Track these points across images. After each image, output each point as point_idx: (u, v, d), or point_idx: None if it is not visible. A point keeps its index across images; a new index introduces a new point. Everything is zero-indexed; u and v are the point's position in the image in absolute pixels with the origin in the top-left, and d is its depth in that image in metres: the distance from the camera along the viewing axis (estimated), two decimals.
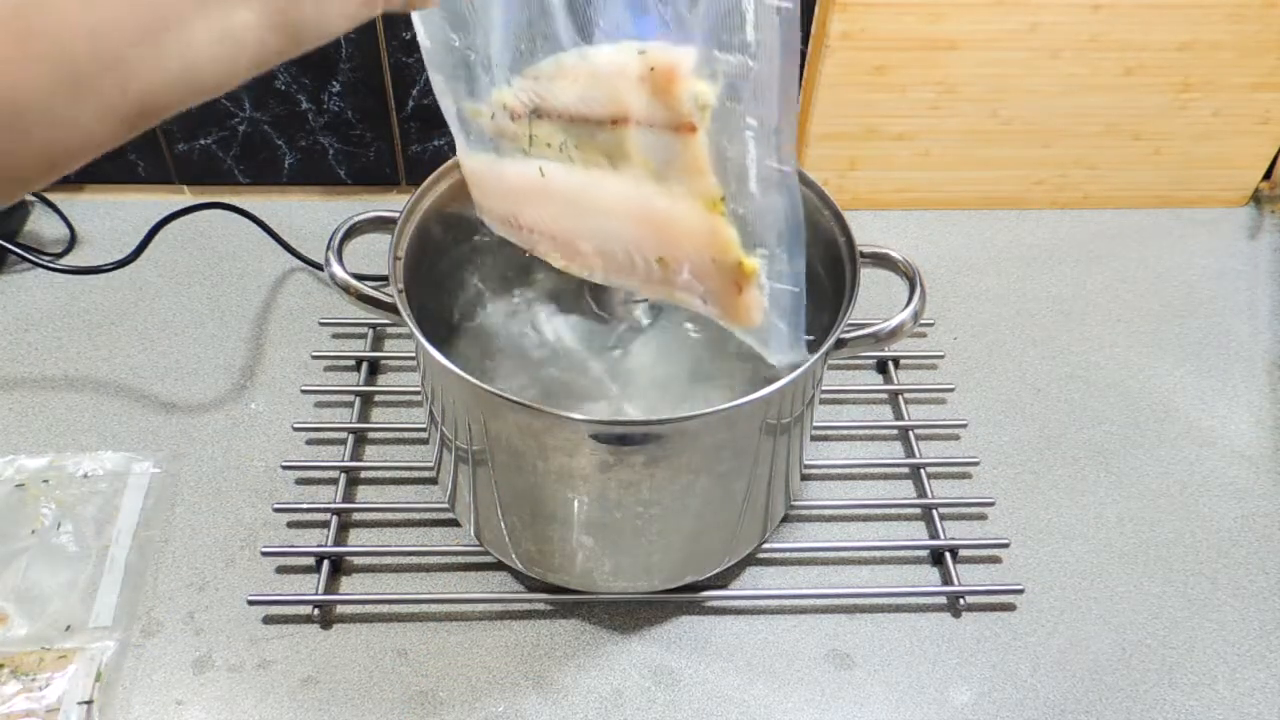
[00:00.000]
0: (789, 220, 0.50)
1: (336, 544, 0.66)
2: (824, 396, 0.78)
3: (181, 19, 0.30)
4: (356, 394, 0.76)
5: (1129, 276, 0.90)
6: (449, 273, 0.67)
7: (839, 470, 0.73)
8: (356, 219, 0.61)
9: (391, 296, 0.56)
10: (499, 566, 0.66)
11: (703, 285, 0.52)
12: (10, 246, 0.80)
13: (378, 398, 0.77)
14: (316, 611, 0.63)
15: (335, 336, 0.81)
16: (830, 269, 0.62)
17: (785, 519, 0.69)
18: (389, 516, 0.69)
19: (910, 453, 0.74)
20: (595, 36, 0.49)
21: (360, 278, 0.58)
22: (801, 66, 0.86)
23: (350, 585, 0.65)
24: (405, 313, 0.54)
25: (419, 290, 0.60)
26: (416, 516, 0.69)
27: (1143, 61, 0.86)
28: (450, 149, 0.59)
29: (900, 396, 0.77)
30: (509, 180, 0.56)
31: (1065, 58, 0.85)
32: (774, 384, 0.52)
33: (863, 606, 0.65)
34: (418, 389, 0.72)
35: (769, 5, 0.44)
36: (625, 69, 0.47)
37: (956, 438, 0.76)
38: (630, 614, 0.64)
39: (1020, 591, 0.66)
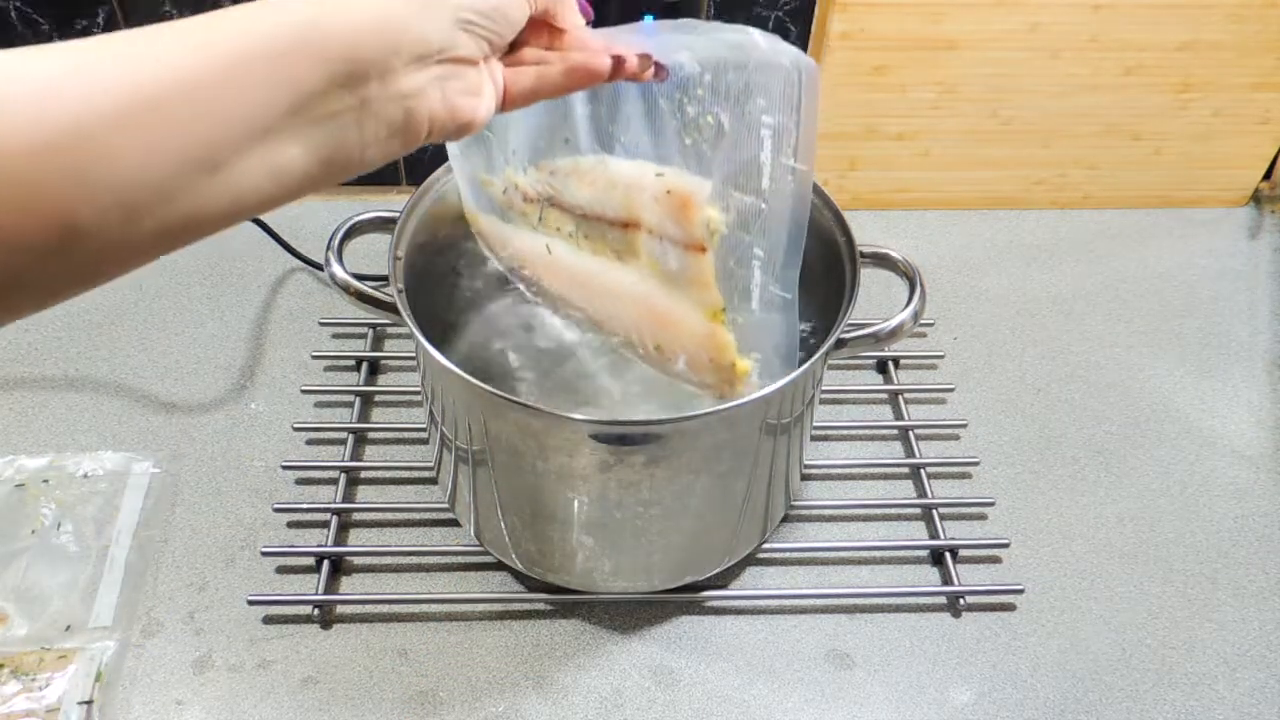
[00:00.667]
0: (786, 336, 0.53)
1: (336, 544, 0.66)
2: (824, 396, 0.78)
3: (235, 155, 0.31)
4: (356, 394, 0.76)
5: (1129, 276, 0.90)
6: (449, 273, 0.67)
7: (839, 470, 0.73)
8: (356, 219, 0.61)
9: (391, 296, 0.56)
10: (499, 566, 0.66)
11: (697, 376, 0.55)
12: None
13: (378, 398, 0.77)
14: (316, 611, 0.63)
15: (335, 336, 0.81)
16: (830, 269, 0.62)
17: (785, 519, 0.69)
18: (389, 516, 0.69)
19: (910, 453, 0.74)
20: (615, 150, 0.51)
21: (360, 278, 0.59)
22: None
23: (350, 585, 0.65)
24: (405, 313, 0.54)
25: (419, 290, 0.60)
26: (416, 516, 0.69)
27: (1143, 61, 0.86)
28: None
29: (900, 396, 0.77)
30: (515, 246, 0.58)
31: (1065, 58, 0.85)
32: (774, 384, 0.52)
33: (863, 606, 0.65)
34: (418, 389, 0.72)
35: (784, 165, 0.47)
36: (642, 184, 0.50)
37: (956, 438, 0.76)
38: (630, 614, 0.64)
39: (1020, 591, 0.66)
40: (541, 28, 0.42)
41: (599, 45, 0.43)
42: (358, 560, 0.66)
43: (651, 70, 0.44)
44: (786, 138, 0.48)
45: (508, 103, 0.41)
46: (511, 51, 0.41)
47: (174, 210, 0.31)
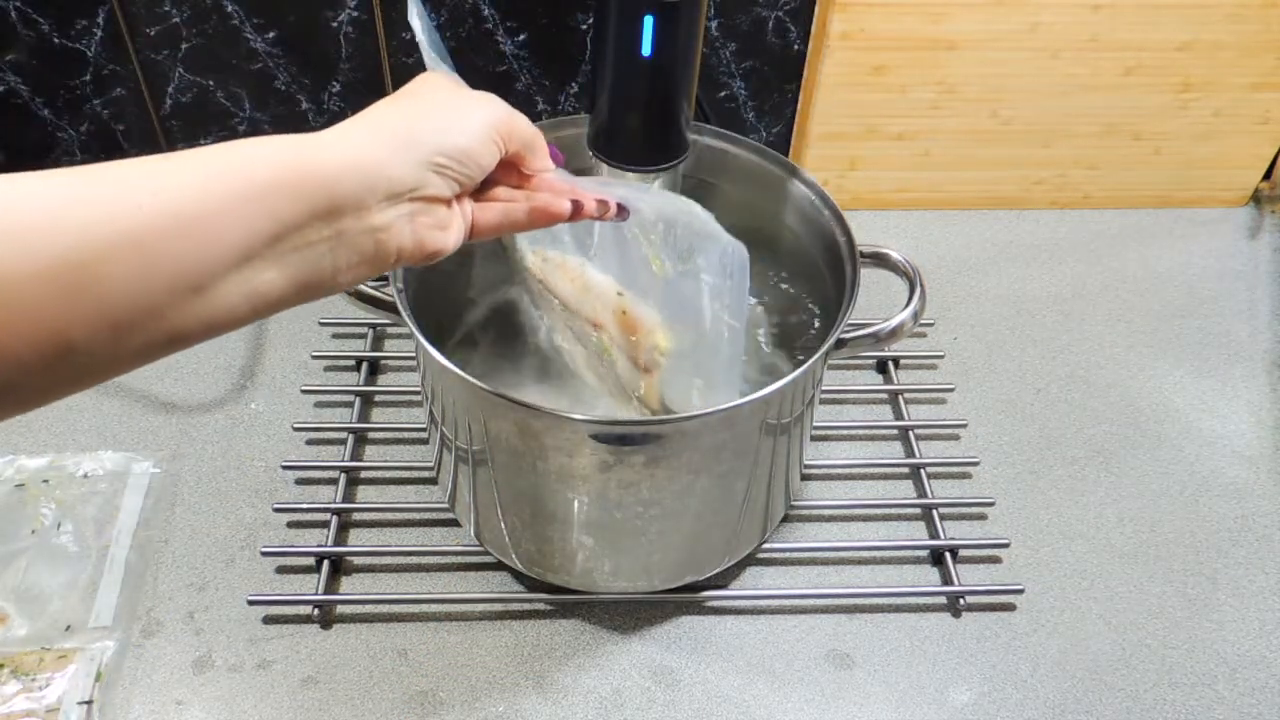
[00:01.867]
0: None
1: (336, 544, 0.66)
2: (824, 396, 0.78)
3: (217, 278, 0.34)
4: (356, 394, 0.76)
5: (1129, 276, 0.90)
6: (449, 272, 0.67)
7: (839, 470, 0.73)
8: None
9: (391, 296, 0.56)
10: (499, 566, 0.66)
11: None
12: None
13: (378, 398, 0.77)
14: (316, 611, 0.63)
15: (335, 336, 0.81)
16: (830, 269, 0.62)
17: (785, 519, 0.69)
18: (389, 516, 0.69)
19: (910, 453, 0.74)
20: (592, 259, 0.56)
21: None
22: (801, 66, 0.86)
23: (350, 585, 0.65)
24: (405, 312, 0.54)
25: (419, 290, 0.60)
26: (416, 516, 0.69)
27: (1143, 61, 0.86)
28: None
29: (900, 396, 0.77)
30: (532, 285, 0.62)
31: (1065, 58, 0.85)
32: (774, 384, 0.52)
33: (863, 606, 0.65)
34: (418, 389, 0.72)
35: (720, 316, 0.54)
36: (607, 298, 0.55)
37: (956, 438, 0.76)
38: (630, 614, 0.64)
39: (1020, 591, 0.66)
40: (512, 168, 0.46)
41: (564, 189, 0.47)
42: (358, 560, 0.66)
43: (613, 210, 0.49)
44: (722, 297, 0.54)
45: (474, 234, 0.44)
46: (484, 188, 0.44)
47: (158, 328, 0.33)
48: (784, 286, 0.68)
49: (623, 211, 0.49)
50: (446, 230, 0.41)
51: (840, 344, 0.58)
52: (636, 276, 0.55)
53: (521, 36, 0.82)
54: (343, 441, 0.72)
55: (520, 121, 0.44)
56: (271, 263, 0.35)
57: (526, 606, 0.64)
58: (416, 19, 0.51)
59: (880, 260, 0.62)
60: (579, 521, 0.58)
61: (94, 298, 0.31)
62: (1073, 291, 0.88)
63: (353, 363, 0.79)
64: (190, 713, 0.58)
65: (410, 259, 0.40)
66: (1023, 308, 0.86)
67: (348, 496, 0.69)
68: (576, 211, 0.46)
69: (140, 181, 0.32)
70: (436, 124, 0.40)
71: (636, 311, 0.56)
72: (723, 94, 0.88)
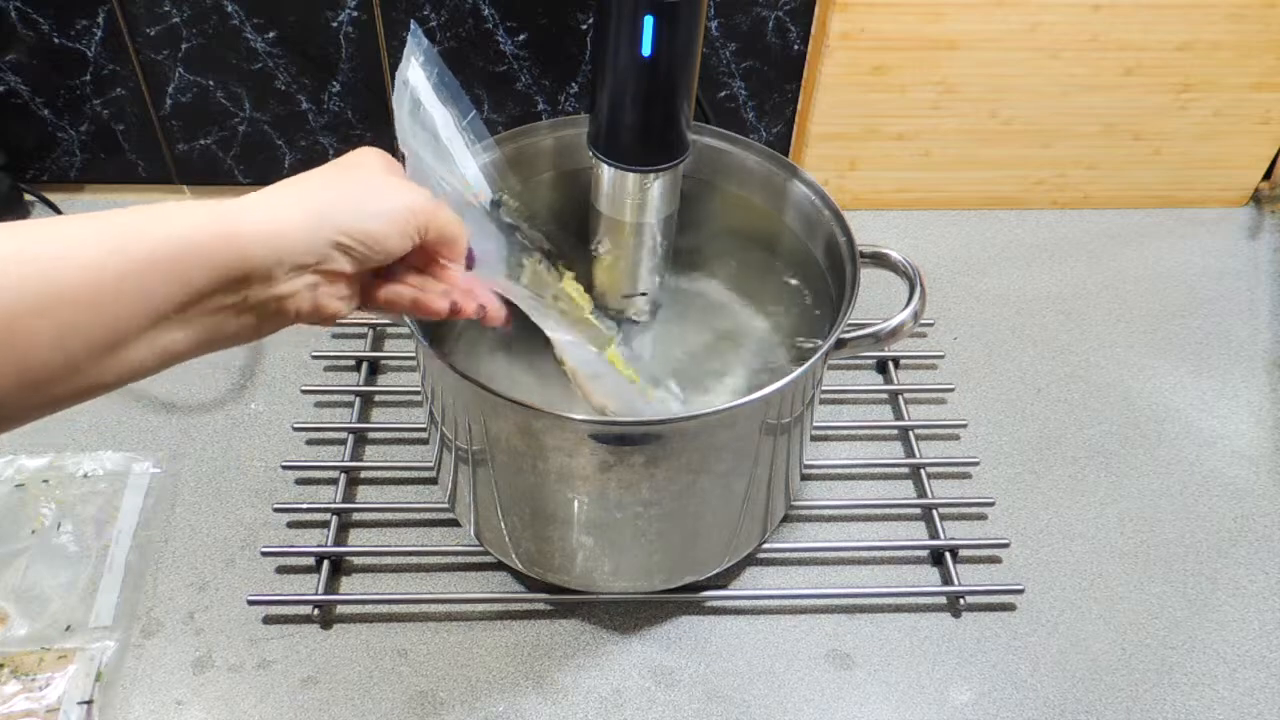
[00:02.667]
0: None
1: (336, 544, 0.66)
2: (824, 396, 0.78)
3: (130, 339, 0.36)
4: (356, 394, 0.76)
5: (1129, 276, 0.90)
6: None
7: (839, 470, 0.73)
8: None
9: None
10: (499, 566, 0.66)
11: None
12: None
13: (378, 398, 0.77)
14: (316, 611, 0.63)
15: (335, 336, 0.81)
16: (830, 269, 0.62)
17: (785, 519, 0.69)
18: (389, 516, 0.69)
19: (910, 453, 0.74)
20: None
21: None
22: (801, 66, 0.86)
23: (350, 585, 0.65)
24: None
25: None
26: (416, 516, 0.69)
27: (1143, 61, 0.86)
28: None
29: (900, 396, 0.77)
30: None
31: (1065, 58, 0.85)
32: (774, 384, 0.52)
33: (863, 606, 0.65)
34: (418, 389, 0.72)
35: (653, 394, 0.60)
36: (565, 355, 0.58)
37: (956, 438, 0.76)
38: (630, 614, 0.64)
39: (1020, 591, 0.66)
40: (424, 254, 0.47)
41: (461, 286, 0.48)
42: (358, 560, 0.66)
43: (494, 319, 0.50)
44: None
45: (366, 305, 0.46)
46: (391, 268, 0.46)
47: (72, 384, 0.35)
48: (784, 286, 0.68)
49: (508, 323, 0.51)
50: (344, 300, 0.44)
51: (840, 344, 0.58)
52: (567, 350, 0.57)
53: (521, 36, 0.82)
54: (343, 441, 0.72)
55: (443, 215, 0.45)
56: (180, 324, 0.37)
57: (526, 606, 0.64)
58: (419, 69, 0.50)
59: (880, 260, 0.62)
60: (579, 521, 0.58)
61: (14, 356, 0.32)
62: (1073, 291, 0.88)
63: (353, 363, 0.79)
64: (190, 713, 0.58)
65: (307, 320, 0.43)
66: (1023, 308, 0.86)
67: (348, 496, 0.69)
68: (454, 312, 0.48)
69: (57, 247, 0.34)
70: (352, 204, 0.42)
71: (581, 376, 0.58)
72: (723, 94, 0.88)
